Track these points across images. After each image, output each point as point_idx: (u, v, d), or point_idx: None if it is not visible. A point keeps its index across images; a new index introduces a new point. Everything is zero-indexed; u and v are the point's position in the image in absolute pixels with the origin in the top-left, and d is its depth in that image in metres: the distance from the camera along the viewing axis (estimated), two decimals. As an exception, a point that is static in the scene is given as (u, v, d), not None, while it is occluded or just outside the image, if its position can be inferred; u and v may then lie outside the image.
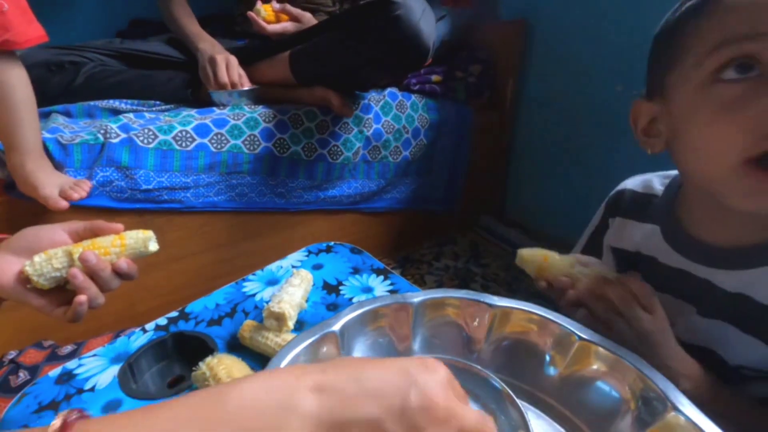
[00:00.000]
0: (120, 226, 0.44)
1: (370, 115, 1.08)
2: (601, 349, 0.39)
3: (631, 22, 1.04)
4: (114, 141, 0.82)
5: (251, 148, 0.94)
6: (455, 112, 1.24)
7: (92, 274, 0.41)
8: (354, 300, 0.57)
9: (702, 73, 0.36)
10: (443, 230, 1.42)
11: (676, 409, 0.33)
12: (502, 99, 1.35)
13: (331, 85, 1.00)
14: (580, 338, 0.40)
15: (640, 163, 0.58)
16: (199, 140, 0.89)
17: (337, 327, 0.40)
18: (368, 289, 0.59)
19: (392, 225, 1.27)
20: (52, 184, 0.74)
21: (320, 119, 1.01)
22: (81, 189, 0.76)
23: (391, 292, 0.59)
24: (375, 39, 0.88)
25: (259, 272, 0.62)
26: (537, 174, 1.40)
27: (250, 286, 0.59)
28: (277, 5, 1.01)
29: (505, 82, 1.33)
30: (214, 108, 0.96)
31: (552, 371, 0.42)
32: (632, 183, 0.54)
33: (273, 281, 0.60)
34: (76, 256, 0.40)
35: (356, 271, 0.63)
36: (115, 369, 0.46)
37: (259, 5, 1.00)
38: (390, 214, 1.23)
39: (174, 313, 0.54)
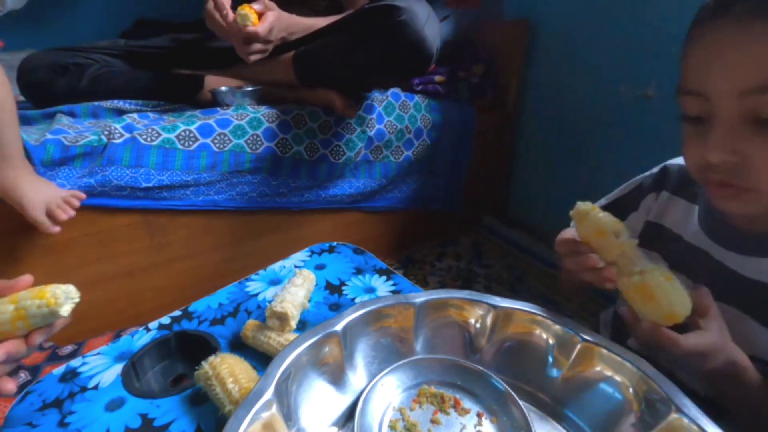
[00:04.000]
0: (28, 279, 0.39)
1: (373, 116, 1.08)
2: (604, 351, 0.39)
3: (634, 23, 1.03)
4: (117, 141, 0.82)
5: (253, 147, 0.94)
6: (458, 112, 1.24)
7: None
8: (356, 300, 0.57)
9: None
10: (446, 230, 1.42)
11: (679, 411, 0.33)
12: (505, 99, 1.34)
13: (335, 87, 1.00)
14: (583, 340, 0.40)
15: (645, 163, 0.57)
16: (201, 140, 0.89)
17: (339, 327, 0.40)
18: (371, 290, 0.59)
19: (395, 225, 1.27)
20: (39, 202, 0.70)
21: (323, 120, 1.01)
22: (68, 207, 0.73)
23: (394, 292, 0.59)
24: (379, 44, 0.88)
25: (262, 272, 0.62)
26: (540, 174, 1.40)
27: (253, 286, 0.59)
28: (258, 6, 0.89)
29: (508, 82, 1.33)
30: (218, 108, 0.96)
31: (555, 372, 0.42)
32: (681, 159, 0.55)
33: (276, 281, 0.60)
34: None
35: (359, 271, 0.63)
36: (118, 367, 0.46)
37: (244, 11, 0.86)
38: (392, 214, 1.23)
39: (177, 312, 0.54)
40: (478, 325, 0.45)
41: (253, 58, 0.88)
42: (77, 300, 0.38)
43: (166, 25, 1.72)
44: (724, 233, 0.46)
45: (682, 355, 0.37)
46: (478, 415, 0.39)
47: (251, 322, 0.49)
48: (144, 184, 0.86)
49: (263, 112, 0.96)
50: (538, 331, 0.43)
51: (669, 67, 0.70)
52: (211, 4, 0.87)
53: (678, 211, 0.52)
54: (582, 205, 0.42)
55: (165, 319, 0.53)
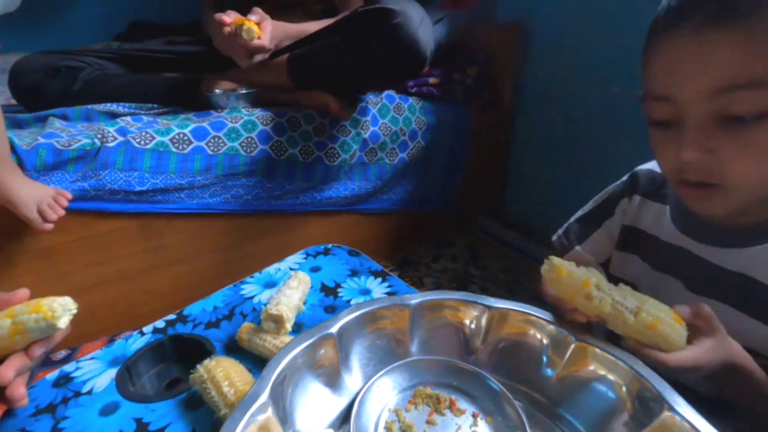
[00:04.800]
0: (25, 293, 0.39)
1: (368, 118, 1.09)
2: (597, 351, 0.39)
3: (626, 25, 1.04)
4: (111, 145, 0.82)
5: (248, 150, 0.94)
6: (453, 114, 1.24)
7: None
8: (352, 302, 0.57)
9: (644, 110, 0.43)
10: (441, 232, 1.42)
11: (672, 409, 0.33)
12: (500, 101, 1.35)
13: (329, 89, 1.00)
14: (577, 339, 0.40)
15: (639, 162, 0.58)
16: (196, 143, 0.89)
17: (335, 329, 0.40)
18: (366, 291, 0.59)
19: (390, 227, 1.27)
20: (29, 200, 0.71)
21: (318, 122, 1.01)
22: (58, 206, 0.74)
23: (389, 294, 0.59)
24: (373, 46, 0.88)
25: (257, 275, 0.62)
26: (535, 175, 1.40)
27: (248, 289, 0.59)
28: (255, 17, 0.89)
29: (503, 84, 1.33)
30: (212, 111, 0.96)
31: (549, 372, 0.42)
32: (651, 164, 0.57)
33: (271, 284, 0.60)
34: None
35: (354, 273, 0.63)
36: (112, 372, 0.46)
37: (247, 25, 0.87)
38: (388, 216, 1.24)
39: (172, 316, 0.54)
40: (473, 326, 0.45)
41: (254, 62, 0.89)
42: (74, 311, 0.38)
43: (160, 27, 1.72)
44: (699, 229, 0.48)
45: (671, 371, 0.37)
46: (474, 416, 0.39)
47: (246, 325, 0.49)
48: (138, 188, 0.86)
49: (258, 114, 0.96)
50: (532, 332, 0.43)
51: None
52: (221, 15, 0.88)
53: (651, 213, 0.53)
54: (549, 268, 0.40)
55: (160, 323, 0.53)
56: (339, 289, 0.59)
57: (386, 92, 1.14)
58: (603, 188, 0.62)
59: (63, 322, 0.37)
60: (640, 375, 0.36)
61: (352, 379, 0.42)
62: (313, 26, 1.00)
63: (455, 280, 1.25)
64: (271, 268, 0.64)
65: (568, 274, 0.39)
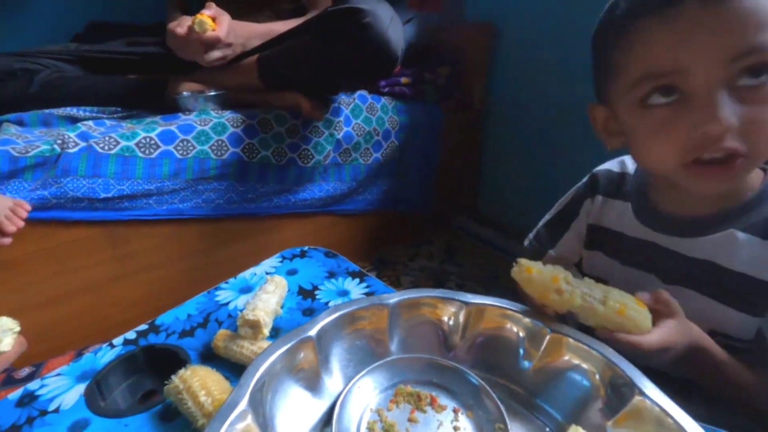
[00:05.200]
0: None
1: (341, 118, 1.08)
2: (571, 341, 0.40)
3: (592, 23, 1.08)
4: (72, 150, 0.79)
5: (219, 153, 0.92)
6: (425, 113, 1.25)
7: None
8: (330, 304, 0.57)
9: (633, 97, 0.42)
10: (418, 231, 1.43)
11: (642, 393, 0.35)
12: (471, 100, 1.37)
13: (301, 90, 0.99)
14: (552, 331, 0.41)
15: (609, 157, 0.61)
16: (163, 147, 0.87)
17: (313, 332, 0.40)
18: (344, 293, 0.59)
19: (366, 227, 1.27)
20: None
21: (290, 123, 1.00)
22: (16, 217, 0.71)
23: (367, 294, 0.59)
24: (344, 46, 0.88)
25: (232, 280, 0.61)
26: (509, 172, 1.43)
27: (223, 295, 0.58)
28: (209, 11, 0.86)
29: (474, 82, 1.35)
30: (180, 114, 0.93)
31: (526, 364, 0.43)
32: (608, 164, 0.59)
33: (247, 289, 0.59)
34: None
35: (331, 275, 0.63)
36: (81, 387, 0.44)
37: (200, 17, 0.84)
38: (364, 216, 1.23)
39: (143, 326, 0.52)
40: (451, 323, 0.45)
41: (215, 58, 0.87)
42: (17, 330, 0.36)
43: (121, 27, 1.65)
44: (662, 222, 0.50)
45: (645, 354, 0.39)
46: (455, 411, 0.40)
47: (222, 332, 0.48)
48: (103, 195, 0.82)
49: (228, 116, 0.94)
50: (509, 325, 0.44)
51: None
52: (174, 24, 0.86)
53: (614, 211, 0.55)
54: (519, 269, 0.42)
55: (130, 334, 0.51)
56: (317, 292, 0.59)
57: (359, 92, 1.14)
58: (574, 183, 0.63)
59: (6, 344, 0.35)
60: (612, 362, 0.37)
61: (333, 381, 0.42)
62: (281, 26, 0.99)
63: (432, 278, 1.26)
64: (247, 273, 0.62)
65: (538, 272, 0.41)
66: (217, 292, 0.58)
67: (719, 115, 0.37)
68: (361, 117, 1.12)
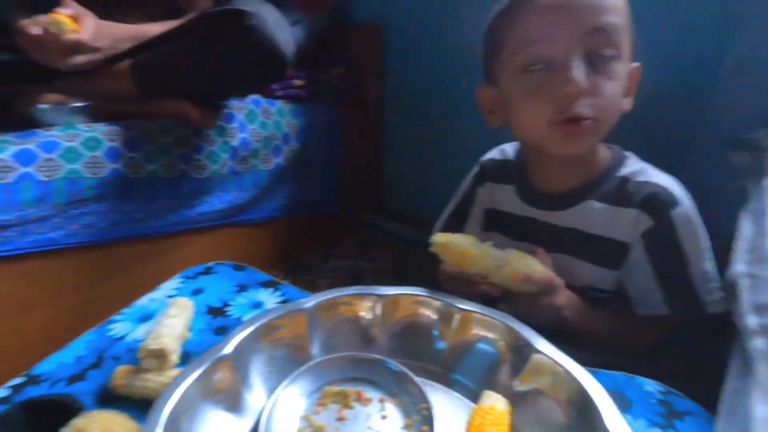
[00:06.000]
0: None
1: (235, 125, 1.03)
2: (478, 315, 0.44)
3: (468, 24, 1.18)
4: None
5: (94, 171, 0.82)
6: (322, 114, 1.25)
7: None
8: (244, 318, 0.54)
9: (513, 65, 0.51)
10: (330, 233, 1.43)
11: (538, 351, 0.39)
12: (365, 99, 1.40)
13: (185, 97, 0.92)
14: (460, 309, 0.45)
15: (501, 142, 0.68)
16: (21, 169, 0.74)
17: (228, 349, 0.38)
18: (258, 305, 0.57)
19: (275, 235, 1.23)
20: None
21: (178, 132, 0.93)
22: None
23: (283, 302, 0.57)
24: (229, 49, 0.84)
25: (126, 310, 0.55)
26: (410, 166, 1.50)
27: (117, 328, 0.52)
28: (67, 10, 0.76)
29: (366, 82, 1.39)
30: (38, 130, 0.80)
31: (441, 345, 0.46)
32: (491, 153, 0.68)
33: (146, 317, 0.54)
34: None
35: (242, 288, 0.60)
36: (-62, 468, 0.36)
37: (56, 16, 0.74)
38: (271, 223, 1.19)
39: (18, 380, 0.45)
40: (369, 317, 0.47)
41: (78, 63, 0.77)
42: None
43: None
44: (537, 199, 0.59)
45: (540, 297, 0.48)
46: (381, 401, 0.41)
47: (122, 368, 0.43)
48: (-58, 233, 0.68)
49: (102, 129, 0.83)
50: (422, 310, 0.47)
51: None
52: (28, 21, 0.73)
53: (502, 194, 0.64)
54: (439, 238, 0.51)
55: (2, 391, 0.43)
56: (227, 308, 0.56)
57: (251, 97, 1.09)
58: (469, 168, 0.70)
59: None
60: (512, 328, 0.42)
61: (254, 396, 0.40)
62: (156, 28, 0.91)
63: (348, 277, 1.27)
64: (144, 300, 0.57)
65: (451, 238, 0.50)
66: (110, 326, 0.52)
67: (575, 77, 0.45)
68: (257, 122, 1.08)
